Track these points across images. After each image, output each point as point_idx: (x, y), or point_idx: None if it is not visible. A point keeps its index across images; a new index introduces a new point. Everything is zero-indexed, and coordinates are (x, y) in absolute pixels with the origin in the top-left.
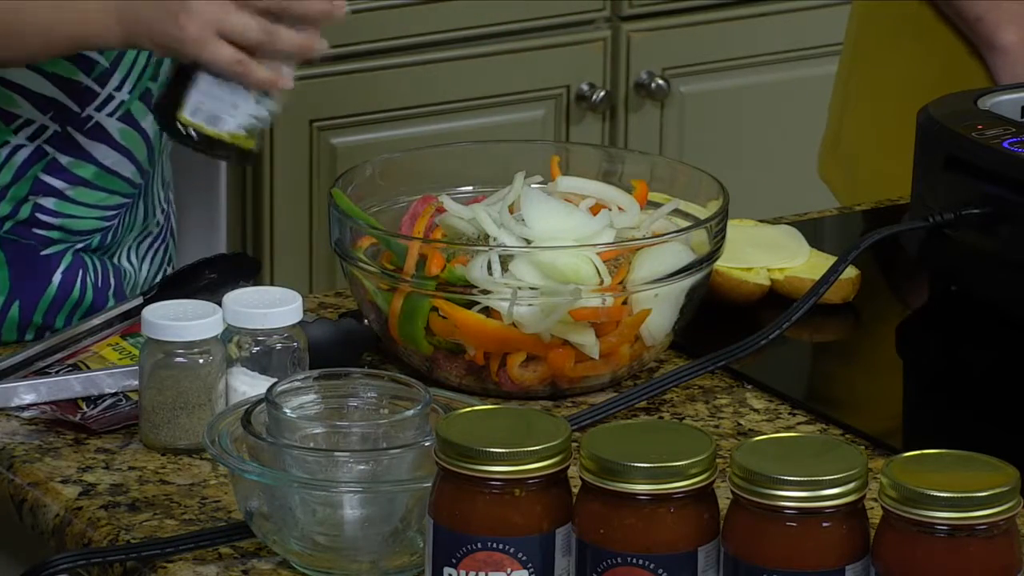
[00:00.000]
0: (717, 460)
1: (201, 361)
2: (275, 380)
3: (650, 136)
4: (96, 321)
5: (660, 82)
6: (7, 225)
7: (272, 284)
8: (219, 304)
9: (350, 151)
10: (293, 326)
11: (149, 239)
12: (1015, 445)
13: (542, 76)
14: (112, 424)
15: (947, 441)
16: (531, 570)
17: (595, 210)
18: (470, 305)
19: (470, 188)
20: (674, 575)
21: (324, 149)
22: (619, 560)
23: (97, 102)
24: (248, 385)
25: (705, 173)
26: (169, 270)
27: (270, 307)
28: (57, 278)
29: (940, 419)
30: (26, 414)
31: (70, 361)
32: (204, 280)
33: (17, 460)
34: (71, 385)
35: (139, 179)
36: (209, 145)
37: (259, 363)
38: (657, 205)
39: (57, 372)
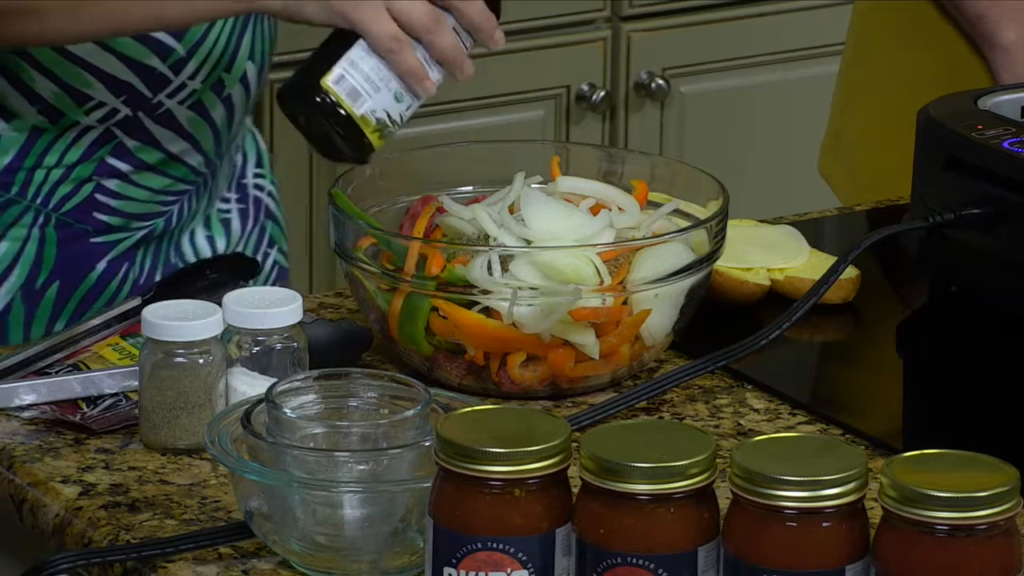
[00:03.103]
0: (717, 460)
1: (201, 361)
2: (275, 380)
3: (650, 136)
4: (96, 321)
5: (660, 82)
6: (67, 206)
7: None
8: (219, 304)
9: None
10: (293, 326)
11: (220, 214)
12: (1015, 445)
13: (542, 76)
14: (112, 424)
15: (947, 441)
16: (531, 570)
17: (595, 210)
18: (470, 305)
19: (470, 188)
20: (674, 575)
21: None
22: (619, 560)
23: (169, 89)
24: (248, 385)
25: (705, 173)
26: (271, 252)
27: (270, 307)
28: (101, 266)
29: (940, 419)
30: (26, 414)
31: (70, 361)
32: (204, 280)
33: (17, 460)
34: (71, 385)
35: (204, 168)
36: (338, 121)
37: (259, 363)
38: (657, 205)
39: (57, 372)
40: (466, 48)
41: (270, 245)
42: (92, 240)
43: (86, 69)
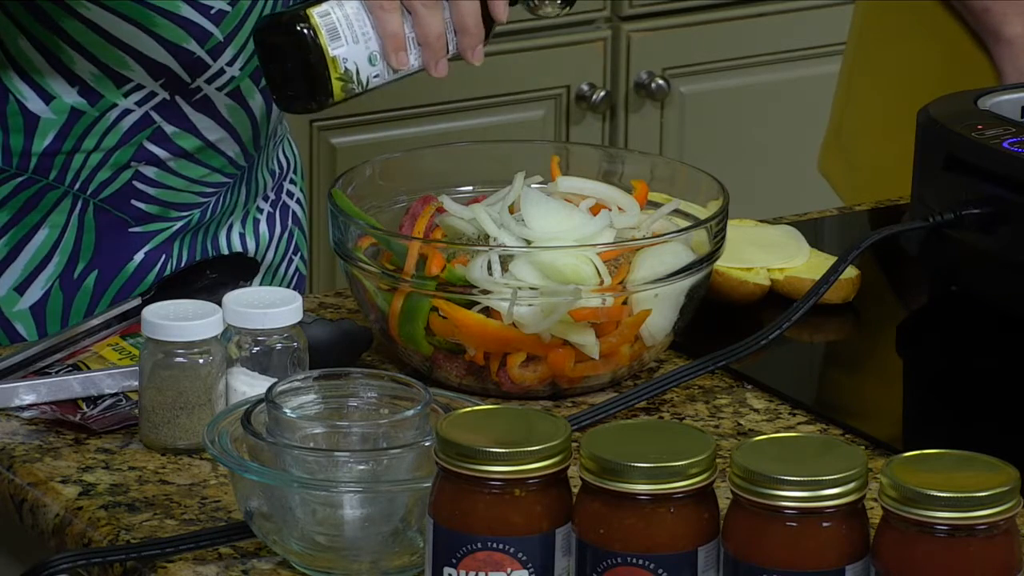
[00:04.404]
0: (717, 460)
1: (201, 361)
2: (275, 380)
3: (650, 136)
4: (95, 321)
5: (660, 82)
6: (105, 192)
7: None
8: (219, 304)
9: (350, 151)
10: (293, 326)
11: (255, 214)
12: (1015, 445)
13: (542, 76)
14: (112, 424)
15: (947, 441)
16: (531, 570)
17: (595, 210)
18: (470, 305)
19: (470, 188)
20: (674, 575)
21: (324, 149)
22: (619, 560)
23: (208, 74)
24: (248, 385)
25: (705, 173)
26: (295, 259)
27: (270, 307)
28: (139, 256)
29: (940, 419)
30: (26, 414)
31: (70, 361)
32: (204, 280)
33: (17, 460)
34: (71, 385)
35: (243, 161)
36: (309, 53)
37: (259, 363)
38: (657, 205)
39: (57, 372)
40: (448, 49)
41: (295, 252)
42: (131, 230)
43: (125, 51)
